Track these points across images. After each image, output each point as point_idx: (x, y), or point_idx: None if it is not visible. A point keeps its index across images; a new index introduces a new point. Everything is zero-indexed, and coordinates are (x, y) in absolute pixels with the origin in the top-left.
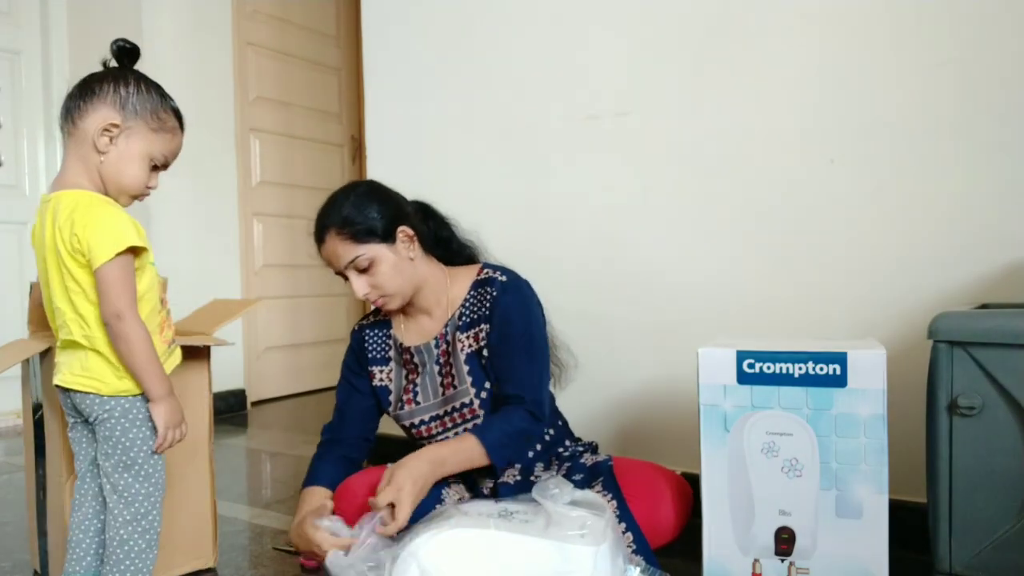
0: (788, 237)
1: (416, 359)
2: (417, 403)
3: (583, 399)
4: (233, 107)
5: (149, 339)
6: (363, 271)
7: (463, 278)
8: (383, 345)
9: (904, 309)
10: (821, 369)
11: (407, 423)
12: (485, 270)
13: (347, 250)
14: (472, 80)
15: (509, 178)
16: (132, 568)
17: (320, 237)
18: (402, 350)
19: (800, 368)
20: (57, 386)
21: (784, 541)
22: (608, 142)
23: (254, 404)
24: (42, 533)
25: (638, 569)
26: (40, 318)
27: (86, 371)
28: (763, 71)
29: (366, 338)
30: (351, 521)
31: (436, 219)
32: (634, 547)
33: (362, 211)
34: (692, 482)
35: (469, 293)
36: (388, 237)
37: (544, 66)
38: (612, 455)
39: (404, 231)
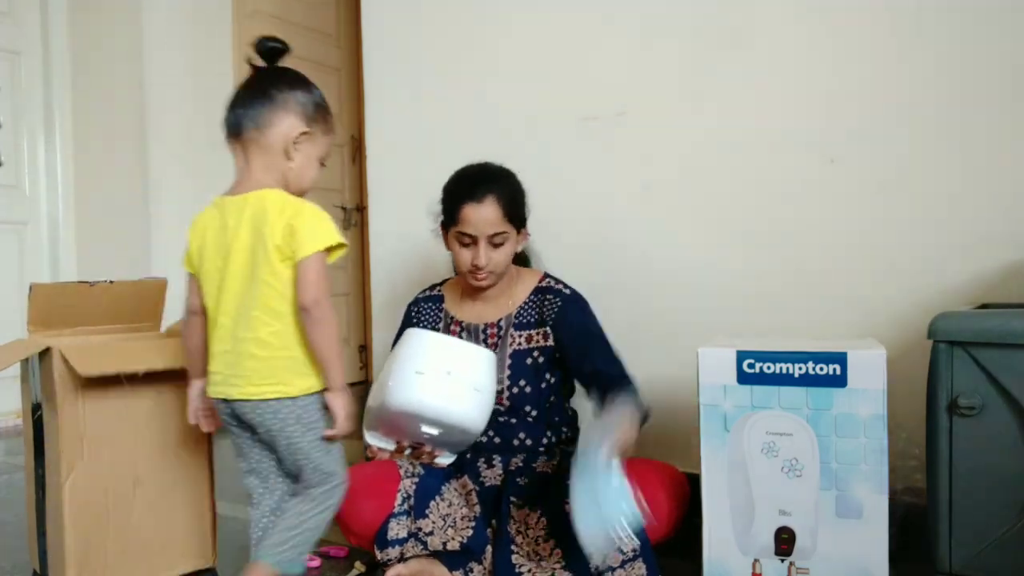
0: (788, 237)
1: (463, 334)
2: None
3: (583, 399)
4: None
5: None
6: (495, 245)
7: (526, 280)
8: (433, 316)
9: (904, 309)
10: (821, 369)
11: None
12: (547, 279)
13: (498, 222)
14: (472, 80)
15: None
16: (303, 543)
17: (477, 197)
18: (452, 321)
19: (800, 368)
20: (225, 400)
21: (784, 541)
22: (608, 142)
23: None
24: (42, 533)
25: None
26: (40, 318)
27: (269, 377)
28: (763, 71)
29: (420, 310)
30: (351, 520)
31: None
32: None
33: (520, 198)
34: (692, 482)
35: (531, 296)
36: (520, 228)
37: (544, 66)
38: None
39: (526, 230)
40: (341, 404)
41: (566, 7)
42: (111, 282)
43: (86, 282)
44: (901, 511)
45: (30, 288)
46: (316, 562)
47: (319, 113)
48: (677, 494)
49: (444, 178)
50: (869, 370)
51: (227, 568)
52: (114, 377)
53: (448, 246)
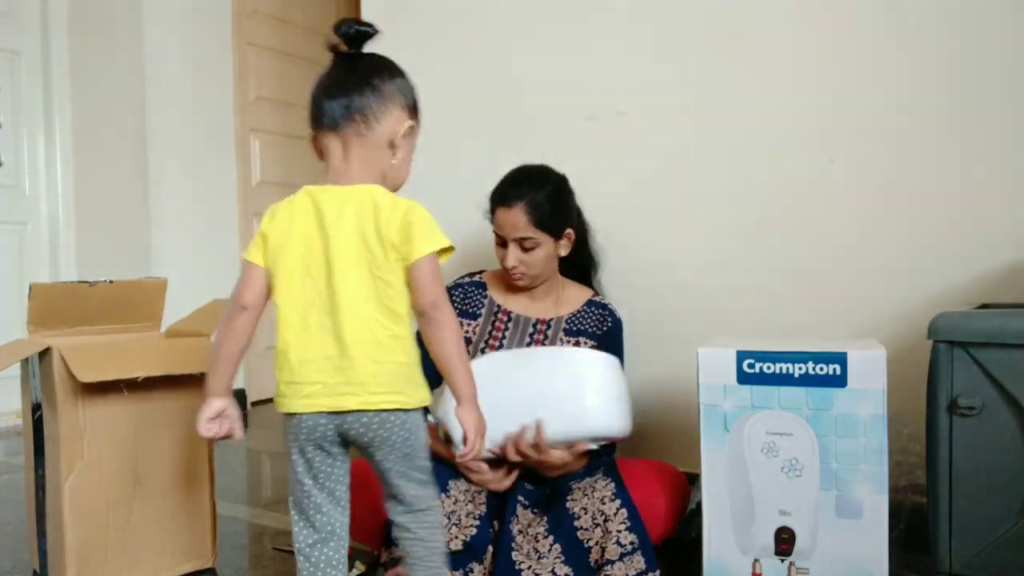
0: (788, 237)
1: (509, 322)
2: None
3: None
4: (233, 107)
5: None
6: (525, 249)
7: (576, 290)
8: (476, 302)
9: (904, 309)
10: (821, 369)
11: None
12: (599, 295)
13: (525, 228)
14: (472, 80)
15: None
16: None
17: (507, 202)
18: (499, 310)
19: (800, 368)
20: (332, 413)
21: (784, 541)
22: (608, 142)
23: (254, 404)
24: (41, 533)
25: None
26: (40, 318)
27: (388, 386)
28: (763, 71)
29: (466, 294)
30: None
31: (587, 242)
32: (628, 524)
33: (551, 205)
34: (692, 482)
35: (584, 307)
36: (557, 235)
37: (544, 66)
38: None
39: (569, 234)
40: (473, 419)
41: (566, 7)
42: (111, 282)
43: (86, 282)
44: (907, 510)
45: (30, 288)
46: None
47: (417, 104)
48: (676, 494)
49: (444, 178)
50: (869, 370)
51: (227, 568)
52: (114, 381)
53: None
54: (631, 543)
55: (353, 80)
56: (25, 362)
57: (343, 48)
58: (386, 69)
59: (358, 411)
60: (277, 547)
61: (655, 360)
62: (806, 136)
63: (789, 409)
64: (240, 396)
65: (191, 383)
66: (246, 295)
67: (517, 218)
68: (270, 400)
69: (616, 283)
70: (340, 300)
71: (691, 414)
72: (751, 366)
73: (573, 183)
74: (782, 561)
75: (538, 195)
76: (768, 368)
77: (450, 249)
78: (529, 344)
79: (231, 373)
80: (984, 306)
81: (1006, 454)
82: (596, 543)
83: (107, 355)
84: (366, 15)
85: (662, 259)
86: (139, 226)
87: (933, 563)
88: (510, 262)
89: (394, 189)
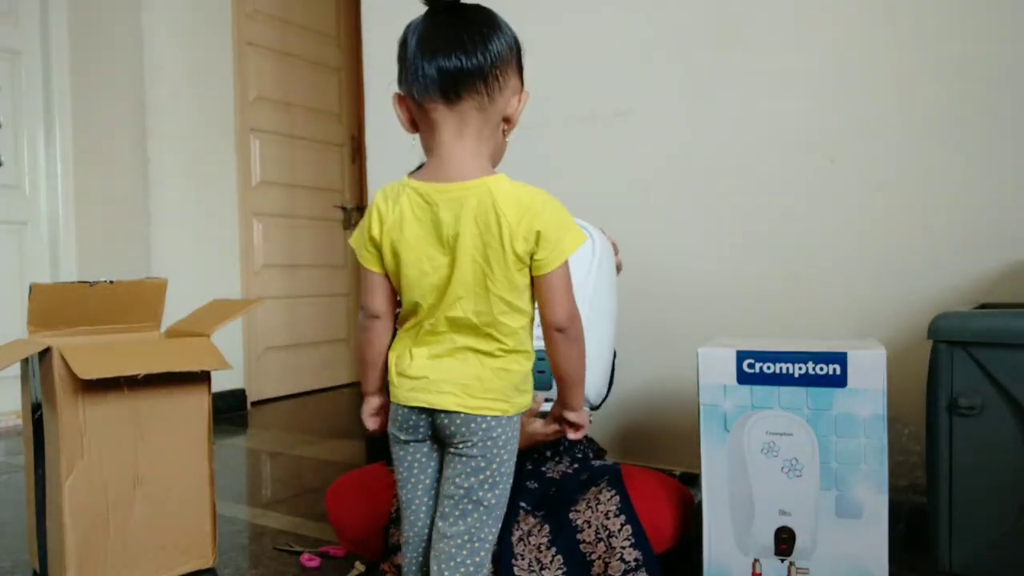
0: (788, 237)
1: None
2: None
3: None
4: (233, 107)
5: None
6: None
7: None
8: None
9: (904, 309)
10: (821, 369)
11: None
12: None
13: None
14: None
15: (509, 177)
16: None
17: None
18: None
19: (800, 368)
20: (428, 409)
21: (784, 541)
22: (608, 142)
23: (254, 404)
24: (42, 533)
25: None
26: (40, 318)
27: (490, 392)
28: (763, 71)
29: None
30: (348, 525)
31: None
32: (633, 540)
33: None
34: (692, 482)
35: None
36: None
37: (544, 66)
38: (619, 463)
39: None
40: (583, 418)
41: (566, 8)
42: (111, 282)
43: (86, 282)
44: (907, 510)
45: (30, 288)
46: (316, 562)
47: (522, 64)
48: (682, 508)
49: None
50: (869, 370)
51: (227, 568)
52: (114, 379)
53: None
54: (635, 560)
55: (470, 39)
56: (25, 362)
57: None
58: (500, 25)
59: (455, 412)
60: (277, 547)
61: (655, 360)
62: (806, 136)
63: (789, 409)
64: (240, 396)
65: (192, 383)
66: (373, 304)
67: None
68: (270, 400)
69: (616, 283)
70: (456, 311)
71: (691, 414)
72: (751, 366)
73: (573, 183)
74: (782, 561)
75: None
76: (768, 368)
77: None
78: None
79: (379, 375)
80: (984, 306)
81: (1006, 454)
82: (599, 557)
83: (107, 354)
84: (366, 15)
85: (662, 259)
86: (139, 226)
87: (933, 563)
88: None
89: (495, 165)
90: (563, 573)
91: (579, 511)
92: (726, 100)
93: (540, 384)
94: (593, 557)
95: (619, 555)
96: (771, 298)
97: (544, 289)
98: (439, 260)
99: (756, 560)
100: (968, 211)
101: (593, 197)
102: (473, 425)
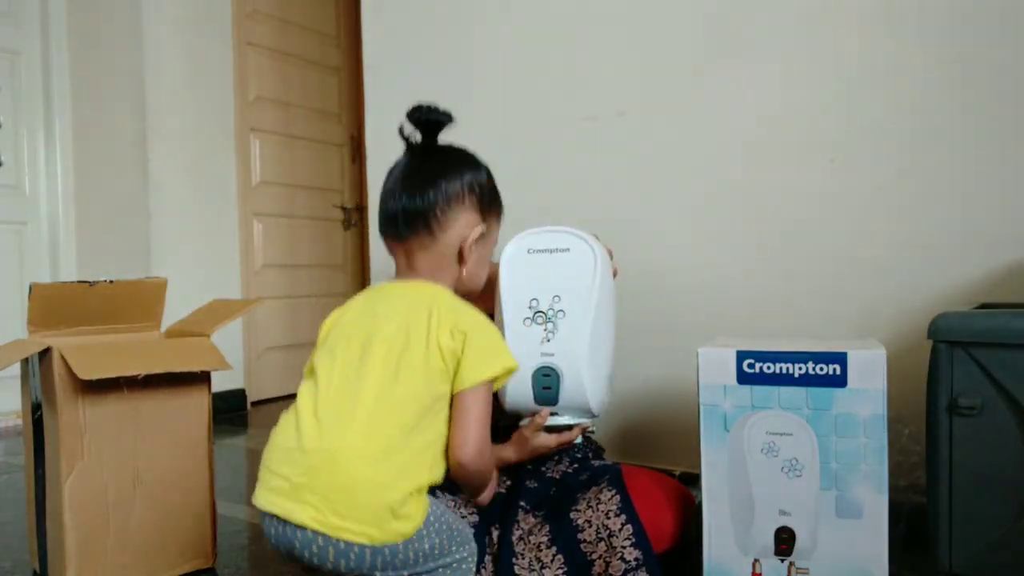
0: (788, 237)
1: None
2: None
3: None
4: (233, 107)
5: None
6: None
7: None
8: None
9: (904, 309)
10: (821, 369)
11: None
12: None
13: None
14: (472, 80)
15: (509, 178)
16: None
17: None
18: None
19: (800, 368)
20: (282, 519)
21: (784, 541)
22: (608, 142)
23: (254, 404)
24: (41, 533)
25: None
26: (40, 318)
27: (366, 515)
28: (763, 71)
29: None
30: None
31: None
32: (633, 540)
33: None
34: (692, 482)
35: None
36: None
37: (544, 66)
38: (619, 462)
39: None
40: (529, 449)
41: (567, 7)
42: (111, 282)
43: (86, 282)
44: (907, 510)
45: (30, 288)
46: None
47: (494, 200)
48: (682, 507)
49: None
50: (869, 370)
51: (227, 568)
52: (114, 379)
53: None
54: (636, 559)
55: (419, 182)
56: (25, 362)
57: (416, 137)
58: (456, 166)
59: (313, 530)
60: None
61: (655, 360)
62: (806, 136)
63: (789, 409)
64: (240, 396)
65: (192, 383)
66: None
67: None
68: (269, 400)
69: (615, 283)
70: (352, 399)
71: (691, 414)
72: (751, 366)
73: (573, 183)
74: (782, 561)
75: None
76: (768, 368)
77: (509, 372)
78: None
79: None
80: (984, 306)
81: (1006, 454)
82: (600, 557)
83: (107, 353)
84: (366, 15)
85: (662, 259)
86: (139, 226)
87: (933, 563)
88: None
89: (465, 293)
90: (564, 572)
91: (580, 511)
92: (726, 100)
93: (545, 400)
94: (594, 557)
95: (620, 554)
96: (771, 298)
97: (456, 409)
98: (354, 346)
99: (756, 560)
100: (968, 211)
101: (593, 197)
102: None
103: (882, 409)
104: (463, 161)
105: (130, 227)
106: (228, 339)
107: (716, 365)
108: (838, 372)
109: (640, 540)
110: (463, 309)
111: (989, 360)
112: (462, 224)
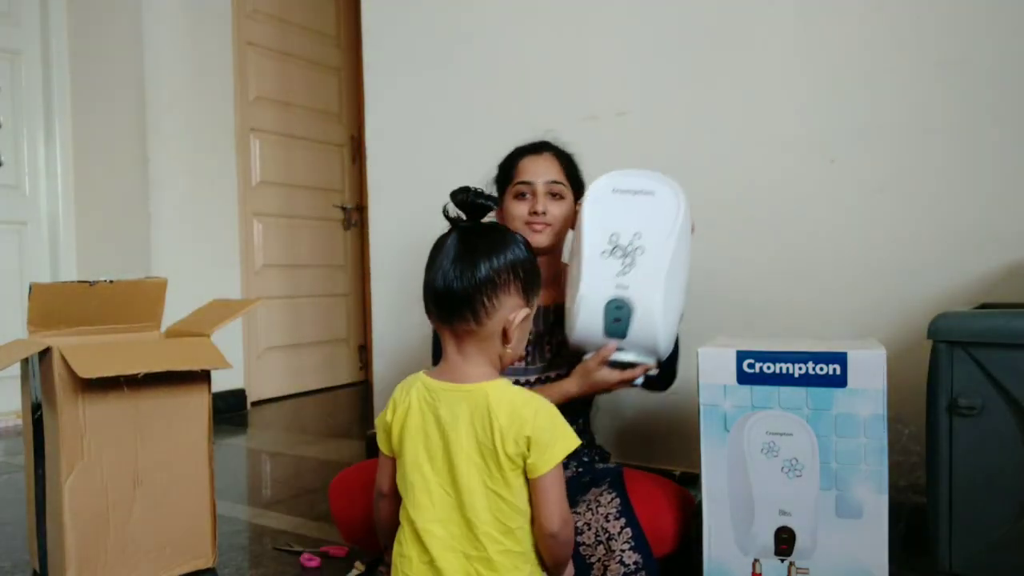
0: (788, 237)
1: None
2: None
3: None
4: (233, 107)
5: None
6: (552, 196)
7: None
8: None
9: (904, 309)
10: (821, 369)
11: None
12: None
13: (556, 172)
14: (472, 80)
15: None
16: None
17: (537, 150)
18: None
19: (800, 368)
20: None
21: (784, 541)
22: (608, 142)
23: (254, 404)
24: (42, 533)
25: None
26: (40, 318)
27: None
28: (763, 71)
29: None
30: (349, 518)
31: None
32: (632, 543)
33: (573, 166)
34: (692, 482)
35: None
36: (576, 195)
37: (544, 66)
38: (621, 465)
39: (580, 205)
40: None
41: (567, 7)
42: (111, 282)
43: (86, 282)
44: (907, 510)
45: (30, 288)
46: (316, 562)
47: (535, 279)
48: (682, 511)
49: (444, 178)
50: (869, 370)
51: (227, 568)
52: (114, 378)
53: (505, 215)
54: (635, 563)
55: (466, 269)
56: (25, 362)
57: (455, 215)
58: (502, 251)
59: None
60: (277, 547)
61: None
62: (806, 136)
63: (789, 409)
64: (240, 396)
65: (192, 382)
66: (383, 483)
67: (549, 163)
68: (270, 400)
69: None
70: (453, 511)
71: (691, 414)
72: (751, 366)
73: None
74: (782, 561)
75: (563, 151)
76: (768, 368)
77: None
78: (544, 337)
79: (389, 538)
80: (984, 306)
81: (1006, 454)
82: (599, 560)
83: (107, 353)
84: (366, 15)
85: None
86: (139, 226)
87: (933, 563)
88: (540, 206)
89: (507, 365)
90: None
91: (579, 513)
92: (726, 100)
93: (614, 332)
94: (592, 560)
95: (618, 558)
96: (771, 298)
97: (537, 492)
98: (436, 459)
99: (756, 560)
100: (967, 211)
101: None
102: None
103: (882, 409)
104: (509, 242)
105: (130, 227)
106: (228, 339)
107: (716, 365)
108: (838, 372)
109: (639, 544)
110: (518, 412)
111: (989, 360)
112: (508, 309)
